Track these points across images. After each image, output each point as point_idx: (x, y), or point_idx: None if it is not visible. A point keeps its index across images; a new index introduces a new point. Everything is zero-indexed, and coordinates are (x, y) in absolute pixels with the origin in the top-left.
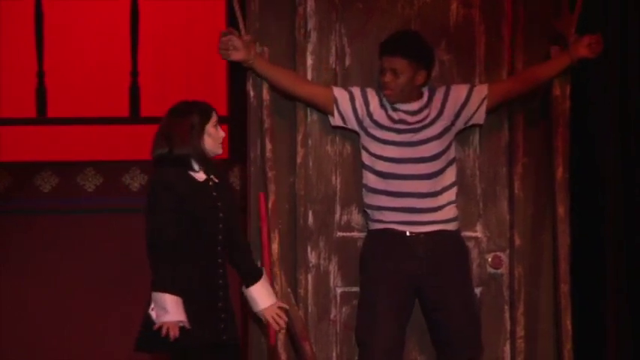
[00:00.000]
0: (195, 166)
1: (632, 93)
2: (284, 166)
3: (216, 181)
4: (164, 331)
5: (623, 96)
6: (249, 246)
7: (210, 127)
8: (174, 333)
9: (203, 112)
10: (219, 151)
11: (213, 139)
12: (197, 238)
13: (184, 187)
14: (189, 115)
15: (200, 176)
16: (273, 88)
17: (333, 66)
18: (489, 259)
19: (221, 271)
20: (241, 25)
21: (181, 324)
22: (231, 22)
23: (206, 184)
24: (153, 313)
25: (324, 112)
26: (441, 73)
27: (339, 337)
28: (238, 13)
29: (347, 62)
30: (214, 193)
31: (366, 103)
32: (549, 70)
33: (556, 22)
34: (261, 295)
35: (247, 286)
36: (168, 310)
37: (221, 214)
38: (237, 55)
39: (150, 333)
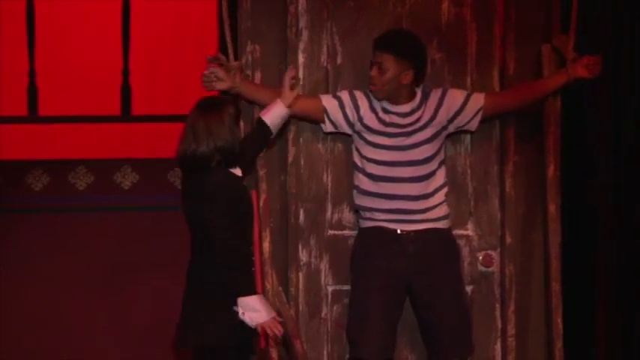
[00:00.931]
0: (236, 161)
1: (625, 91)
2: (275, 165)
3: None
4: (269, 331)
5: (615, 94)
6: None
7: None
8: (278, 330)
9: (234, 104)
10: None
11: (240, 130)
12: (241, 231)
13: (233, 186)
14: (225, 108)
15: (237, 171)
16: None
17: (325, 64)
18: (480, 258)
19: (253, 258)
20: (230, 51)
21: (276, 318)
22: (223, 21)
23: (241, 178)
24: (246, 318)
25: (317, 122)
26: (433, 71)
27: (330, 335)
28: (228, 38)
29: (338, 60)
30: (244, 184)
31: (356, 108)
32: (546, 87)
33: (554, 40)
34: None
35: (263, 116)
36: (260, 310)
37: (252, 203)
38: (221, 86)
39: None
